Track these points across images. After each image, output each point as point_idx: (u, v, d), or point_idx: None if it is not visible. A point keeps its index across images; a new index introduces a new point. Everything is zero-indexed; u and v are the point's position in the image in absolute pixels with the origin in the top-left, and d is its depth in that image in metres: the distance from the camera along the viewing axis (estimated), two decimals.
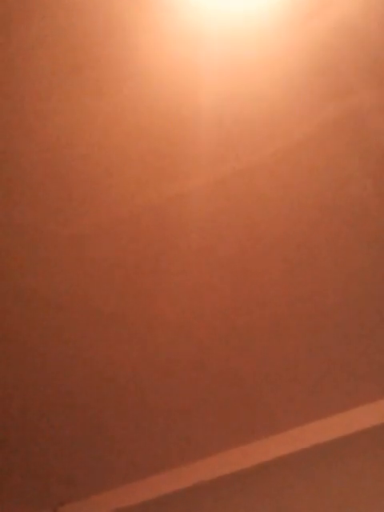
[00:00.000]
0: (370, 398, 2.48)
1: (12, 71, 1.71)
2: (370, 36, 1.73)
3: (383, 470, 2.41)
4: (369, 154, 1.92)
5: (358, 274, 2.16)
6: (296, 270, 2.12)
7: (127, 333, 2.22)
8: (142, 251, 2.05)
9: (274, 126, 1.85)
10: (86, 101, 1.77)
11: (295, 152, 1.90)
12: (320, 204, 2.01)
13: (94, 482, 2.62)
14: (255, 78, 1.76)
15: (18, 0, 1.61)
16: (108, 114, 1.79)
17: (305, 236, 2.06)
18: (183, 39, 1.68)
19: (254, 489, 2.52)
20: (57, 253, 2.02)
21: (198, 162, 1.89)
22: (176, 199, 1.95)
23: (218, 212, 1.99)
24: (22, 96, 1.74)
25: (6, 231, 1.97)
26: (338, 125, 1.86)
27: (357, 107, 1.83)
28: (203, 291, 2.15)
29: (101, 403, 2.40)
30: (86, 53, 1.69)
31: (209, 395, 2.41)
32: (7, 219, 1.94)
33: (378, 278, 2.18)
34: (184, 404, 2.43)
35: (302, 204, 2.00)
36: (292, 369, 2.38)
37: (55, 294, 2.11)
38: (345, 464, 2.46)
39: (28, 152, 1.83)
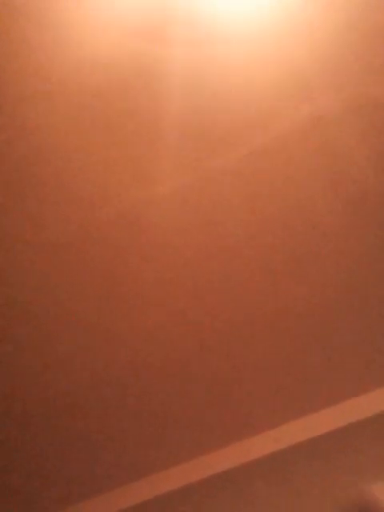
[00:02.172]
0: (353, 393, 2.51)
1: None
2: (329, 41, 1.74)
3: (354, 470, 2.45)
4: (334, 158, 1.92)
5: (328, 280, 2.18)
6: (261, 273, 2.13)
7: (102, 337, 2.21)
8: (114, 256, 2.04)
9: (240, 131, 1.85)
10: (60, 108, 1.77)
11: (261, 157, 1.90)
12: (285, 208, 2.01)
13: (89, 485, 2.62)
14: (222, 85, 1.76)
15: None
16: (82, 121, 1.79)
17: (271, 240, 2.06)
18: (152, 44, 1.67)
19: (253, 485, 2.55)
20: (31, 260, 2.02)
21: (166, 168, 1.89)
22: (146, 204, 1.95)
23: (190, 215, 1.99)
24: None
25: None
26: (303, 130, 1.86)
27: (322, 111, 1.83)
28: (173, 294, 2.14)
29: (88, 407, 2.40)
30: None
31: (196, 397, 2.44)
32: None
33: (352, 280, 2.22)
34: (173, 406, 2.44)
35: (269, 208, 2.00)
36: (271, 368, 2.40)
37: (29, 300, 2.10)
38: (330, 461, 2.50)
39: (1, 159, 1.83)
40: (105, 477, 2.57)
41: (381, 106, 1.83)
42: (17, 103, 1.75)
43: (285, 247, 2.09)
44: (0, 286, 2.07)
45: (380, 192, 1.97)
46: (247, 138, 1.86)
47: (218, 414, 2.50)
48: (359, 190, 1.97)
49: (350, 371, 2.43)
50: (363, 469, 2.42)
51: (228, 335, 2.28)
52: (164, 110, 1.78)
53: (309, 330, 2.30)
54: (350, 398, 2.51)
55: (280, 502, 2.47)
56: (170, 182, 1.92)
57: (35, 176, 1.87)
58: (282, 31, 1.69)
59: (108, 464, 2.53)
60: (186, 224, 2.01)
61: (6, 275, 2.05)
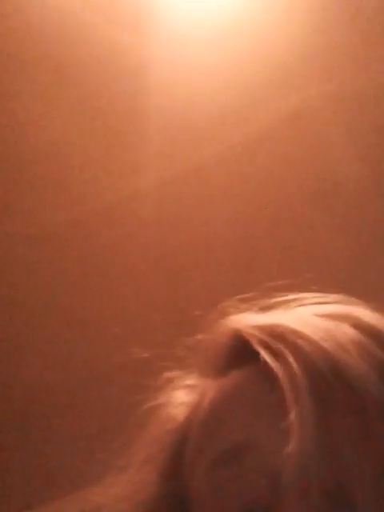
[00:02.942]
0: None
1: None
2: (312, 34, 1.75)
3: None
4: (318, 151, 1.94)
5: (313, 273, 2.18)
6: (245, 266, 2.14)
7: (87, 329, 2.23)
8: (99, 249, 2.07)
9: (223, 124, 1.87)
10: (40, 100, 1.79)
11: (244, 151, 1.92)
12: (270, 200, 2.03)
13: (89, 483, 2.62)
14: (206, 77, 1.78)
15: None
16: (62, 114, 1.82)
17: (256, 232, 2.09)
18: (133, 36, 1.69)
19: None
20: (11, 254, 2.05)
21: (150, 161, 1.91)
22: (128, 198, 1.97)
23: (173, 208, 2.02)
24: None
25: None
26: (287, 123, 1.88)
27: (304, 103, 1.85)
28: (153, 289, 2.17)
29: (87, 405, 2.42)
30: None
31: None
32: None
33: (338, 273, 2.21)
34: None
35: (253, 201, 2.02)
36: None
37: (14, 293, 2.13)
38: None
39: None
40: (104, 474, 2.56)
41: (364, 99, 1.85)
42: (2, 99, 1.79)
43: (270, 240, 2.10)
44: None
45: (364, 184, 1.99)
46: (230, 131, 1.88)
47: None
48: (343, 181, 1.99)
49: None
50: None
51: None
52: (147, 102, 1.80)
53: None
54: None
55: None
56: (154, 175, 1.94)
57: (19, 170, 1.89)
58: (263, 24, 1.71)
59: (107, 462, 2.53)
60: (170, 217, 2.03)
61: None
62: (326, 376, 0.44)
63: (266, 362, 0.47)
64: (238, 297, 0.57)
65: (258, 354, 0.48)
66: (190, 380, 0.56)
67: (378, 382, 0.44)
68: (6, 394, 2.31)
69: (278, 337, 0.47)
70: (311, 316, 0.50)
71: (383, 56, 1.80)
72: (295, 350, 0.46)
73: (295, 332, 0.47)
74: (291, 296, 0.55)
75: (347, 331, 0.47)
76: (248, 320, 0.53)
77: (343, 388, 0.44)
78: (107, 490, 0.57)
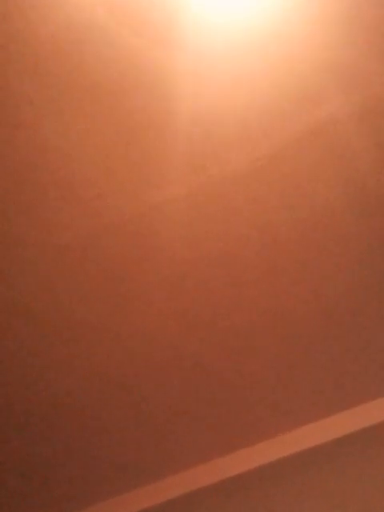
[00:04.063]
0: (361, 399, 2.51)
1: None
2: (337, 44, 1.74)
3: (376, 471, 2.44)
4: (345, 162, 1.93)
5: (337, 286, 2.19)
6: (274, 277, 2.14)
7: (106, 341, 2.24)
8: (120, 260, 2.06)
9: (248, 136, 1.86)
10: (64, 110, 1.79)
11: (270, 163, 1.91)
12: (295, 213, 2.02)
13: (90, 490, 2.63)
14: (233, 88, 1.78)
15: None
16: (87, 124, 1.81)
17: (279, 245, 2.08)
18: (159, 47, 1.69)
19: (254, 493, 2.54)
20: (38, 263, 2.04)
21: (177, 171, 1.91)
22: (152, 209, 1.97)
23: (198, 220, 2.00)
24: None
25: None
26: (313, 134, 1.87)
27: (330, 115, 1.84)
28: (177, 297, 2.16)
29: (90, 410, 2.41)
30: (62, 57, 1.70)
31: (204, 401, 2.44)
32: None
33: (362, 285, 2.21)
34: (177, 411, 2.45)
35: (277, 214, 2.01)
36: (282, 373, 2.40)
37: (33, 303, 2.13)
38: (337, 467, 2.50)
39: (5, 160, 1.84)
40: (105, 481, 2.57)
41: None
42: (21, 105, 1.77)
43: (293, 253, 2.09)
44: (4, 288, 2.09)
45: None
46: (255, 143, 1.87)
47: (222, 419, 2.50)
48: (370, 194, 1.98)
49: (359, 377, 2.44)
50: (372, 476, 2.42)
51: (235, 341, 2.29)
52: (170, 114, 1.80)
53: (317, 335, 2.30)
54: (360, 404, 2.51)
55: (286, 509, 2.47)
56: (177, 187, 1.93)
57: (41, 179, 1.88)
58: (287, 36, 1.71)
59: (108, 467, 2.54)
60: (192, 229, 2.02)
61: (10, 278, 2.07)
62: None
63: None
64: None
65: None
66: None
67: None
68: (6, 394, 2.32)
69: None
70: None
71: None
72: None
73: None
74: None
75: None
76: None
77: None
78: None
